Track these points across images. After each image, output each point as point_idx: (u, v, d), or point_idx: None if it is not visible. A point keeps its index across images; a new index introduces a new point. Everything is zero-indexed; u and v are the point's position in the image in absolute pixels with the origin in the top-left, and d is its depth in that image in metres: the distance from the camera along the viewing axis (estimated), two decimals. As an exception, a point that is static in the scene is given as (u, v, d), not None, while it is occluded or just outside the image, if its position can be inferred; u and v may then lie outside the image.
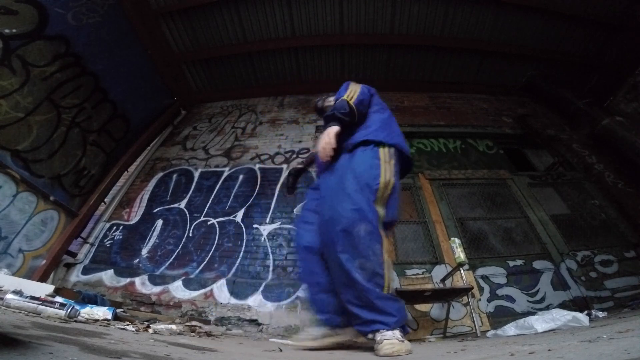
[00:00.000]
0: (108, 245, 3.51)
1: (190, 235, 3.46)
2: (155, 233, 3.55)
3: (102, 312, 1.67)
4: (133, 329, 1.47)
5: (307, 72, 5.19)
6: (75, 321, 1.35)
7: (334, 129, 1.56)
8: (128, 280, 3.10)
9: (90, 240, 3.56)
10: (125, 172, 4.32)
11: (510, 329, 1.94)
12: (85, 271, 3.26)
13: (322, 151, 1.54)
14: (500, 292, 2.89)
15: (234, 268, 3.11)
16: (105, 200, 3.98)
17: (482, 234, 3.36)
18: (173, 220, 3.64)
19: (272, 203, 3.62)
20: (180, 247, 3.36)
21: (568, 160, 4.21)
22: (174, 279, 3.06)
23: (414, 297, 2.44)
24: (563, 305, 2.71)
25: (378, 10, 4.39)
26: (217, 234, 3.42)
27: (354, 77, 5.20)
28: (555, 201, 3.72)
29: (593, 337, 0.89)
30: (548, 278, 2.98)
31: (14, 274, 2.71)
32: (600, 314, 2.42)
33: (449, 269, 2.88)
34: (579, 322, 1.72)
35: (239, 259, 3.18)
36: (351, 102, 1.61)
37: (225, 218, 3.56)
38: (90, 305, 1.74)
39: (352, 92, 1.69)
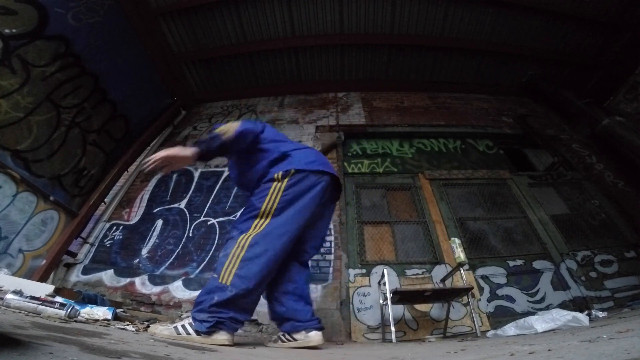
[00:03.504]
0: (108, 245, 3.51)
1: (190, 235, 3.46)
2: (155, 233, 3.55)
3: (102, 312, 1.67)
4: (133, 329, 1.47)
5: (307, 72, 5.19)
6: (75, 321, 1.35)
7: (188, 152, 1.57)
8: (128, 280, 3.10)
9: (90, 240, 3.56)
10: (125, 172, 4.32)
11: (510, 329, 1.94)
12: (85, 271, 3.26)
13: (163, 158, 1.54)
14: (500, 292, 2.89)
15: (234, 268, 3.11)
16: (105, 200, 3.98)
17: (482, 234, 3.36)
18: (173, 220, 3.64)
19: (272, 203, 3.62)
20: (180, 247, 3.36)
21: (568, 160, 4.21)
22: (174, 279, 3.07)
23: (414, 297, 2.44)
24: (563, 305, 2.71)
25: (378, 10, 4.39)
26: (217, 234, 3.42)
27: (354, 77, 5.25)
28: (555, 201, 3.72)
29: (593, 337, 0.89)
30: (548, 278, 2.98)
31: (14, 274, 2.71)
32: (600, 314, 2.42)
33: (449, 269, 2.89)
34: (579, 322, 1.72)
35: (239, 259, 3.18)
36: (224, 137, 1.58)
37: (225, 218, 3.56)
38: (90, 305, 1.73)
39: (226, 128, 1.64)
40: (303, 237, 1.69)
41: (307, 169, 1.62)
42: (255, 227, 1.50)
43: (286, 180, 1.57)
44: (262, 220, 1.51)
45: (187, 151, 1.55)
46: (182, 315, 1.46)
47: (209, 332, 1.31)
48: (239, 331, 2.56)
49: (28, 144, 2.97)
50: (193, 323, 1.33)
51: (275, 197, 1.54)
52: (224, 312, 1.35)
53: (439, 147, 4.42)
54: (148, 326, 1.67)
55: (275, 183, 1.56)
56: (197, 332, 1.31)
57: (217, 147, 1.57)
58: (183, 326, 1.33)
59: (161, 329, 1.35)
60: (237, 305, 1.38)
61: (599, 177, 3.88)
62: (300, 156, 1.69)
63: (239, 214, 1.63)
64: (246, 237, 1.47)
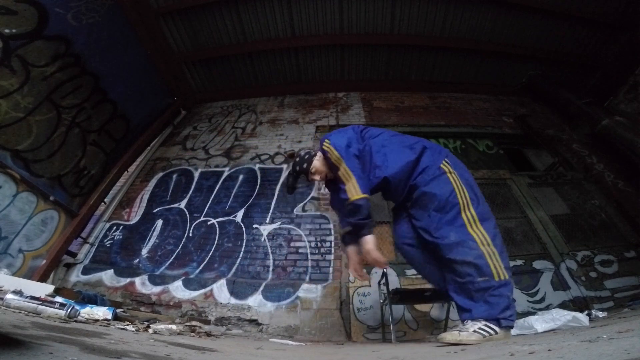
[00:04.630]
0: (108, 245, 3.51)
1: (190, 235, 3.46)
2: (155, 233, 3.55)
3: (102, 312, 1.67)
4: (133, 329, 1.47)
5: (307, 72, 5.19)
6: (75, 321, 1.35)
7: (371, 241, 1.59)
8: (128, 280, 3.10)
9: (90, 240, 3.56)
10: (125, 172, 4.32)
11: (510, 329, 1.93)
12: (85, 271, 3.26)
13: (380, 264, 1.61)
14: (500, 292, 2.88)
15: (234, 268, 3.11)
16: (105, 200, 3.98)
17: (482, 234, 3.35)
18: (173, 220, 3.64)
19: (272, 203, 3.62)
20: (180, 247, 3.36)
21: (568, 160, 4.21)
22: (174, 279, 3.06)
23: (414, 297, 2.44)
24: (563, 305, 2.71)
25: (378, 10, 4.39)
26: (217, 234, 3.42)
27: (354, 77, 5.25)
28: (555, 201, 3.72)
29: (593, 337, 0.89)
30: (548, 278, 2.98)
31: (14, 274, 2.71)
32: (600, 314, 2.42)
33: (449, 269, 2.88)
34: (579, 322, 1.73)
35: (239, 259, 3.18)
36: (361, 196, 1.58)
37: (225, 218, 3.56)
38: (90, 305, 1.74)
39: (346, 174, 1.63)
40: None
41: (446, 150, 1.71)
42: (471, 222, 1.48)
43: (452, 168, 1.61)
44: (468, 212, 1.50)
45: (367, 245, 1.59)
46: (465, 325, 1.44)
47: (509, 328, 1.36)
48: (239, 331, 2.57)
49: (28, 144, 2.97)
50: (501, 322, 1.33)
51: (461, 187, 1.55)
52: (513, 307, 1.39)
53: (439, 147, 4.42)
54: (148, 326, 1.66)
55: (448, 175, 1.58)
56: (506, 327, 1.34)
57: (364, 214, 1.58)
58: (482, 328, 1.32)
59: (465, 335, 1.30)
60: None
61: (599, 177, 3.88)
62: (430, 144, 1.76)
63: (425, 218, 1.60)
64: (479, 233, 1.46)
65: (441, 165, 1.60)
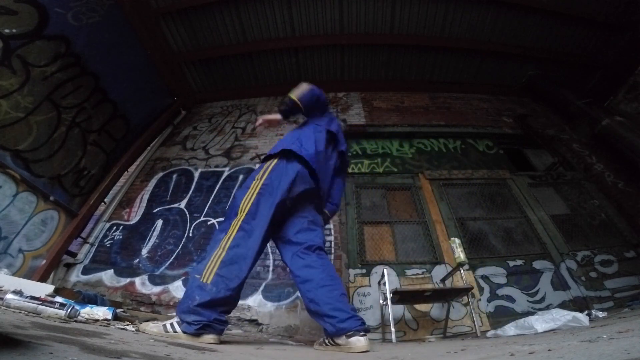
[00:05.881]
0: (108, 245, 3.51)
1: (190, 235, 3.46)
2: (155, 233, 3.55)
3: (102, 312, 1.67)
4: (133, 329, 1.47)
5: (307, 72, 5.19)
6: (75, 321, 1.35)
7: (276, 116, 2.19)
8: (128, 280, 3.10)
9: (90, 240, 3.56)
10: (125, 172, 4.31)
11: (510, 329, 1.94)
12: (85, 271, 3.26)
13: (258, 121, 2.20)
14: (500, 292, 2.89)
15: (234, 268, 3.11)
16: (105, 200, 3.98)
17: (482, 234, 3.36)
18: (173, 220, 3.64)
19: (272, 203, 3.62)
20: (180, 247, 3.36)
21: (568, 160, 4.21)
22: (174, 279, 3.07)
23: (414, 297, 2.44)
24: (563, 305, 2.71)
25: (378, 10, 4.39)
26: (217, 234, 3.42)
27: (354, 77, 5.25)
28: (555, 201, 3.72)
29: (593, 337, 0.89)
30: (548, 278, 2.98)
31: (14, 274, 2.71)
32: (600, 314, 2.42)
33: (449, 269, 2.89)
34: (579, 322, 1.73)
35: (239, 259, 3.17)
36: (296, 99, 2.10)
37: (225, 218, 3.55)
38: (90, 305, 1.73)
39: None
40: None
41: None
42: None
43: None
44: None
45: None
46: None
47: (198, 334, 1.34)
48: (239, 331, 2.57)
49: (28, 144, 2.97)
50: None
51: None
52: None
53: (439, 147, 4.42)
54: (146, 326, 1.66)
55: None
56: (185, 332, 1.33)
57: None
58: (172, 324, 1.36)
59: (151, 326, 1.38)
60: None
61: (599, 177, 3.88)
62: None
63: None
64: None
65: None
